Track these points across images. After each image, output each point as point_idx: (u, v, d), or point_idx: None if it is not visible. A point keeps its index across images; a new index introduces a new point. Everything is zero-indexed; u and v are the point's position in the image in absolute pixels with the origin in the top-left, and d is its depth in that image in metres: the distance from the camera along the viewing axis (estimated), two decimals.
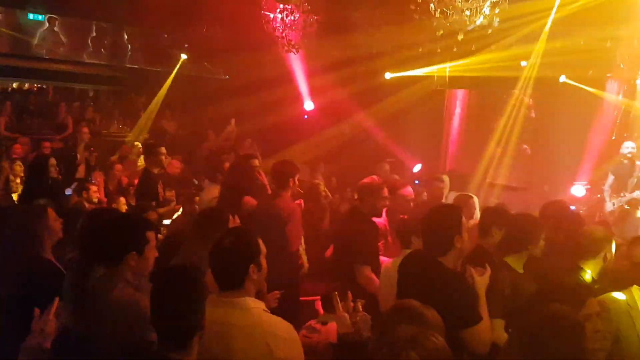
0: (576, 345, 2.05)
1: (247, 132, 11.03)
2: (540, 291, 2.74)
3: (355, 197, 5.13)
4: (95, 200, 6.72)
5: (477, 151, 11.82)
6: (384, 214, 5.15)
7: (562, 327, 2.08)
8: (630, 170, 7.99)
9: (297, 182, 5.09)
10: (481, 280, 2.95)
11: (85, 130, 9.16)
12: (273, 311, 2.65)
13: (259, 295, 2.74)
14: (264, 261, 2.57)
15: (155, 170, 6.50)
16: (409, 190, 5.48)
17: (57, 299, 2.51)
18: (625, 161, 8.01)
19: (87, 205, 6.06)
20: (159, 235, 5.61)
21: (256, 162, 5.57)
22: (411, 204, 5.52)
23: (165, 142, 8.91)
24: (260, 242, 2.58)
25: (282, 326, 2.47)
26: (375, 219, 4.83)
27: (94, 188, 6.82)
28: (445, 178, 6.78)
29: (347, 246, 4.60)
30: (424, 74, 11.34)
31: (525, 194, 10.02)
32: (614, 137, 9.89)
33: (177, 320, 2.11)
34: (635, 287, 3.09)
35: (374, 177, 4.95)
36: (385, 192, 4.86)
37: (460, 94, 12.30)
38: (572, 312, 2.21)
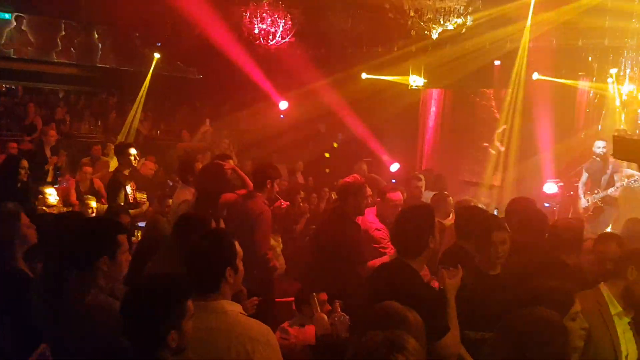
0: (560, 351, 2.03)
1: (223, 132, 10.92)
2: (524, 294, 2.67)
3: (334, 196, 5.09)
4: (55, 203, 6.49)
5: (452, 150, 11.94)
6: (375, 217, 5.10)
7: (547, 333, 2.05)
8: (603, 168, 8.10)
9: (275, 187, 5.00)
10: (452, 283, 2.90)
11: (52, 132, 8.94)
12: (249, 314, 2.60)
13: (237, 298, 2.68)
14: (240, 264, 2.52)
15: (126, 172, 6.38)
16: (397, 195, 5.43)
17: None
18: (598, 159, 8.12)
19: (46, 210, 5.88)
20: (133, 239, 5.50)
21: (231, 162, 5.47)
22: (399, 208, 5.46)
23: (139, 143, 8.76)
24: (237, 244, 2.53)
25: (259, 329, 2.42)
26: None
27: (49, 192, 6.56)
28: (422, 177, 6.79)
29: (336, 249, 4.52)
30: (399, 80, 11.38)
31: (501, 192, 10.13)
32: (583, 135, 10.08)
33: (147, 326, 2.06)
34: (602, 284, 3.07)
35: (356, 176, 4.90)
36: (368, 191, 4.82)
37: (435, 93, 12.38)
38: (556, 316, 2.17)
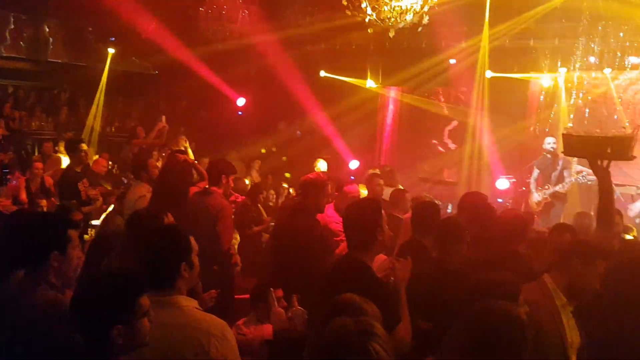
0: (517, 342, 2.05)
1: (180, 129, 10.76)
2: (476, 285, 2.72)
3: (294, 193, 5.11)
4: None
5: (410, 147, 12.12)
6: (334, 212, 5.14)
7: (502, 324, 2.07)
8: (553, 164, 8.35)
9: (231, 182, 5.00)
10: (402, 274, 2.93)
11: None
12: (208, 310, 2.58)
13: (193, 294, 2.65)
14: (195, 259, 2.51)
15: (78, 169, 6.24)
16: (354, 188, 5.50)
17: None
18: (549, 155, 8.36)
19: None
20: (86, 237, 5.38)
21: (186, 157, 5.45)
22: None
23: (92, 140, 8.54)
24: (192, 240, 2.52)
25: (215, 323, 2.40)
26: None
27: None
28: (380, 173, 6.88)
29: (297, 244, 4.49)
30: (356, 80, 11.46)
31: (455, 189, 10.32)
32: (532, 129, 10.40)
33: (94, 322, 2.02)
34: (546, 275, 3.08)
35: (319, 173, 4.93)
36: (330, 188, 4.85)
37: (393, 91, 12.52)
38: (511, 307, 2.18)
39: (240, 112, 12.18)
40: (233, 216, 5.35)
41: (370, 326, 1.71)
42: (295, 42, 10.57)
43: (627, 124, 9.01)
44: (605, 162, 3.61)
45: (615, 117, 10.17)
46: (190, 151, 7.41)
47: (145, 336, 2.09)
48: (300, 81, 11.13)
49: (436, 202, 9.64)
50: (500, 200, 9.54)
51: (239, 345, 2.54)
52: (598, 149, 3.60)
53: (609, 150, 3.57)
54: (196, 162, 6.06)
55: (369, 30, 7.60)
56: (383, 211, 3.08)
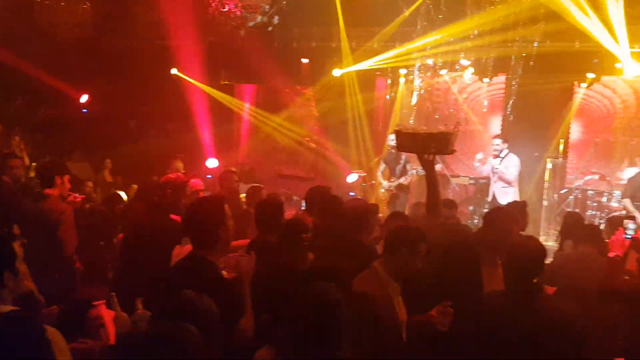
0: (333, 322, 2.17)
1: (15, 129, 9.85)
2: (312, 274, 2.87)
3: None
4: None
5: (267, 144, 12.27)
6: None
7: (319, 307, 2.18)
8: (397, 159, 8.92)
9: (66, 182, 4.72)
10: (246, 271, 2.99)
11: None
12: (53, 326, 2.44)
13: (29, 303, 2.50)
14: (22, 266, 2.36)
15: None
16: (198, 182, 5.52)
17: None
18: (392, 151, 8.90)
19: None
20: None
21: (17, 162, 5.05)
22: (201, 194, 5.53)
23: None
24: (16, 245, 2.37)
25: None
26: None
27: None
28: (237, 170, 6.93)
29: (156, 244, 4.36)
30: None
31: (312, 184, 10.67)
32: (380, 125, 11.13)
33: None
34: (377, 262, 3.27)
35: (179, 173, 4.89)
36: (189, 189, 4.81)
37: (248, 87, 12.58)
38: (328, 289, 2.28)
39: (85, 110, 11.45)
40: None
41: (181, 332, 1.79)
42: (145, 38, 10.19)
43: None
44: (431, 156, 3.97)
45: (437, 116, 11.28)
46: (25, 155, 6.84)
47: None
48: (151, 79, 10.75)
49: (295, 198, 10.00)
50: (352, 193, 10.06)
51: (80, 353, 2.45)
52: (424, 144, 3.94)
53: (433, 146, 3.94)
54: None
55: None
56: (227, 208, 3.13)
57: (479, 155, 8.46)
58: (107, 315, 3.11)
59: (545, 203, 9.96)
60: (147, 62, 10.68)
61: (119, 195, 6.40)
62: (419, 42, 9.61)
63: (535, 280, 2.91)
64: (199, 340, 1.80)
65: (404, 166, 8.91)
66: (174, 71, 11.23)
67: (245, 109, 12.34)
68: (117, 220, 6.12)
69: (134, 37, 10.30)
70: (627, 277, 3.53)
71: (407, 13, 9.35)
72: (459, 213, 6.73)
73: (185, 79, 11.14)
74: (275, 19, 7.42)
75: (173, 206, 4.60)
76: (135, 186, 7.63)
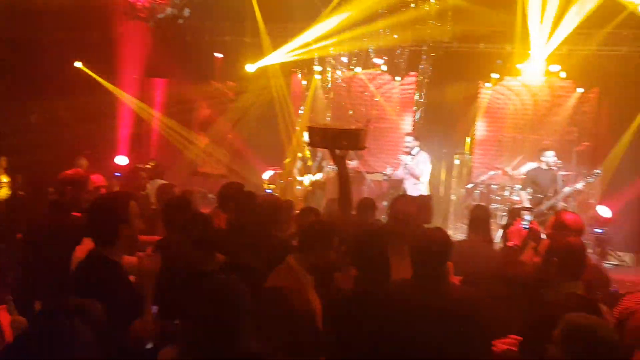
0: (233, 312, 2.16)
1: None
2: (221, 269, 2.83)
3: (52, 190, 4.79)
4: None
5: (179, 140, 11.97)
6: None
7: (220, 299, 2.18)
8: (312, 156, 9.03)
9: None
10: (149, 268, 2.89)
11: None
12: None
13: None
14: None
15: None
16: (99, 177, 5.34)
17: None
18: (309, 147, 9.00)
19: None
20: None
21: None
22: (102, 190, 5.34)
23: None
24: None
25: None
26: None
27: None
28: (145, 167, 6.71)
29: (58, 243, 4.13)
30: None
31: (224, 181, 10.56)
32: (299, 121, 11.18)
33: None
34: (290, 257, 3.29)
35: (79, 169, 4.69)
36: (90, 185, 4.69)
37: (160, 82, 12.19)
38: (231, 282, 2.29)
39: None
40: None
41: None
42: (45, 29, 9.59)
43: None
44: (342, 152, 4.02)
45: (351, 112, 11.52)
46: None
47: None
48: (56, 72, 10.13)
49: (210, 196, 9.83)
50: (269, 190, 10.05)
51: None
52: (336, 140, 3.98)
53: (344, 142, 3.99)
54: None
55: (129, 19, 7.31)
56: (134, 205, 3.01)
57: (389, 171, 8.79)
58: (4, 319, 2.98)
59: (453, 197, 10.43)
60: (48, 55, 10.05)
61: (20, 195, 6.05)
62: (332, 40, 9.75)
63: (440, 268, 3.06)
64: (83, 337, 1.75)
65: (320, 163, 9.01)
66: (77, 64, 10.66)
67: (154, 113, 11.91)
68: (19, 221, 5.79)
69: (35, 28, 9.65)
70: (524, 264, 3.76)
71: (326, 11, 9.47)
72: None
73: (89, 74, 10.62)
74: (186, 12, 7.22)
75: (74, 203, 4.48)
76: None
